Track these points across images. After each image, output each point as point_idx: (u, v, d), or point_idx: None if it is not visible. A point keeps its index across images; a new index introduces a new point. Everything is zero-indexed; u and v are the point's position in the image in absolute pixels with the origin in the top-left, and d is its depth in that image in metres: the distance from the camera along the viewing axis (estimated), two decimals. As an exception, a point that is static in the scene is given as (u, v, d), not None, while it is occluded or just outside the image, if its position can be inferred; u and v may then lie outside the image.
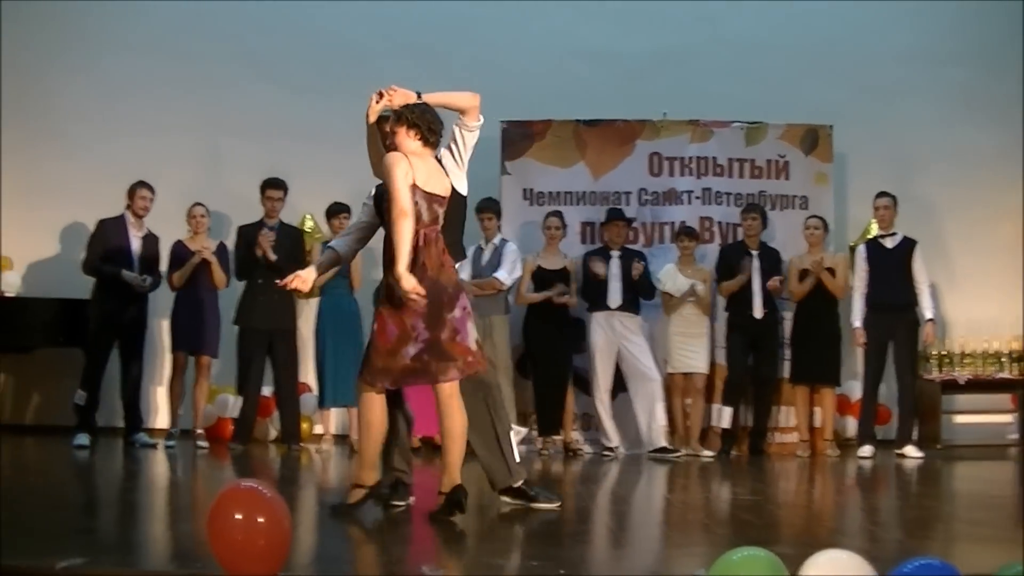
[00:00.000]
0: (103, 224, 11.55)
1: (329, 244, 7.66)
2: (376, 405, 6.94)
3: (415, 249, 6.71)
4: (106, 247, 11.42)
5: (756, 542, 4.79)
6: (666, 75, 13.04)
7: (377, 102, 7.05)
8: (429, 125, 6.92)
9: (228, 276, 11.61)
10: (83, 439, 11.20)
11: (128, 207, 11.55)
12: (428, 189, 6.80)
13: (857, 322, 11.65)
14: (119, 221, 11.54)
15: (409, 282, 6.55)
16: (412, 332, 6.74)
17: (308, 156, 12.42)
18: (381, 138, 7.09)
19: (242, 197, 12.14)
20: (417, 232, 6.71)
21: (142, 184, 11.55)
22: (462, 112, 7.38)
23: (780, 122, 12.40)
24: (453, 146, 7.44)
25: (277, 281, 7.36)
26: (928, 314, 11.59)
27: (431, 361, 6.81)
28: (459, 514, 6.88)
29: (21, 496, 7.96)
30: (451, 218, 7.37)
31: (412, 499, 7.40)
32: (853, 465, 10.95)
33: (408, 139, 6.88)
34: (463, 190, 7.50)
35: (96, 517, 7.06)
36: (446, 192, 6.97)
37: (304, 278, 7.19)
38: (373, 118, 7.11)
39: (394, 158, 6.75)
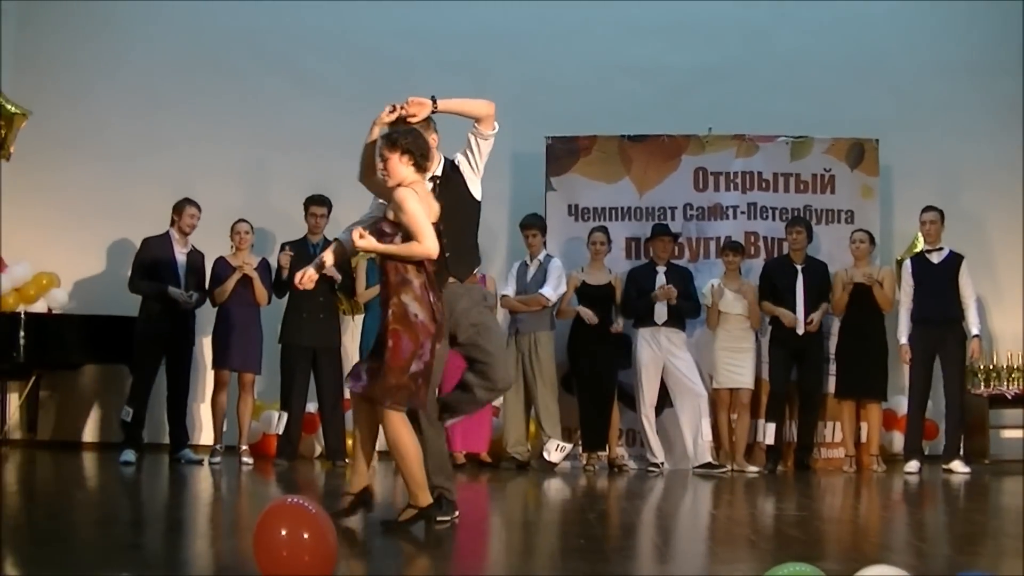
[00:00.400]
0: (147, 242, 11.62)
1: (336, 237, 7.70)
2: (405, 425, 6.99)
3: (428, 279, 6.88)
4: (151, 264, 11.48)
5: (802, 558, 4.78)
6: (711, 90, 13.02)
7: (391, 112, 7.11)
8: (422, 151, 7.00)
9: (270, 293, 11.64)
10: (129, 455, 11.26)
11: (174, 224, 11.61)
12: (432, 220, 6.91)
13: (903, 338, 11.58)
14: (164, 238, 11.60)
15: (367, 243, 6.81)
16: (419, 351, 6.82)
17: (353, 172, 12.41)
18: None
19: (286, 213, 12.20)
20: (425, 265, 6.86)
21: (189, 202, 11.61)
22: (477, 120, 7.49)
23: (826, 136, 12.34)
24: (469, 153, 7.56)
25: (297, 284, 7.44)
26: (974, 330, 11.50)
27: (423, 385, 6.90)
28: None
29: (68, 512, 8.02)
30: (466, 224, 7.52)
31: (457, 514, 7.38)
32: (900, 480, 10.88)
33: (401, 165, 6.94)
34: (478, 195, 7.63)
35: (142, 533, 7.09)
36: (437, 216, 7.05)
37: (311, 275, 7.39)
38: (376, 132, 7.20)
39: (407, 193, 6.85)
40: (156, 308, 11.45)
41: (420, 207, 6.84)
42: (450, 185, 7.50)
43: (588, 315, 11.57)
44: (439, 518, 7.29)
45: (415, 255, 6.77)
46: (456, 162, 7.53)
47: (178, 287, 11.43)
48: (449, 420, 7.54)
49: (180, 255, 11.58)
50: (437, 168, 7.48)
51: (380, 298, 7.02)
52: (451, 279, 7.46)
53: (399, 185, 6.90)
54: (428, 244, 6.78)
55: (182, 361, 11.65)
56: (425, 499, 7.04)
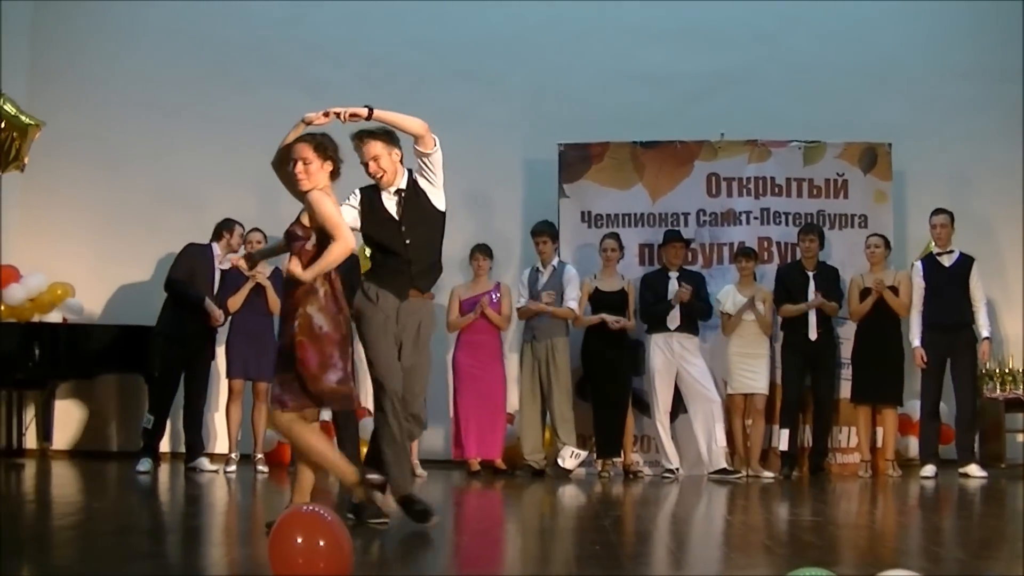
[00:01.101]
0: (191, 248, 11.64)
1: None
2: (309, 428, 7.05)
3: (332, 289, 6.94)
4: (190, 270, 11.51)
5: (817, 563, 4.78)
6: (723, 95, 13.03)
7: (324, 117, 7.22)
8: (338, 163, 7.08)
9: (282, 301, 11.65)
10: (145, 464, 11.30)
11: (221, 239, 11.62)
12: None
13: (916, 341, 11.56)
14: (207, 249, 11.63)
15: (310, 275, 6.80)
16: (329, 361, 6.83)
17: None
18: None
19: (299, 223, 12.22)
20: (331, 272, 6.93)
21: (236, 223, 11.67)
22: (414, 139, 7.49)
23: (838, 141, 12.34)
24: (424, 172, 7.66)
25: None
26: (984, 332, 11.50)
27: (352, 388, 7.02)
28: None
29: (84, 521, 8.03)
30: (431, 236, 7.70)
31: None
32: (915, 485, 10.86)
33: (322, 172, 6.99)
34: (441, 206, 7.77)
35: (158, 541, 7.11)
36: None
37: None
38: (300, 131, 7.27)
39: (322, 195, 6.92)
40: (180, 316, 11.47)
41: (334, 207, 6.91)
42: (413, 198, 7.62)
43: (612, 320, 11.59)
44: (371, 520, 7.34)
45: (338, 256, 6.79)
46: (418, 182, 7.65)
47: (212, 300, 11.46)
48: (373, 474, 7.39)
49: (218, 270, 11.61)
50: (401, 181, 7.60)
51: (285, 309, 6.99)
52: (413, 292, 7.58)
53: (312, 189, 6.93)
54: (346, 238, 6.81)
55: (201, 371, 11.68)
56: (354, 474, 7.04)
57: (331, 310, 6.86)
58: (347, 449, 11.57)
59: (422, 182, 7.64)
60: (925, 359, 11.48)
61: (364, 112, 7.29)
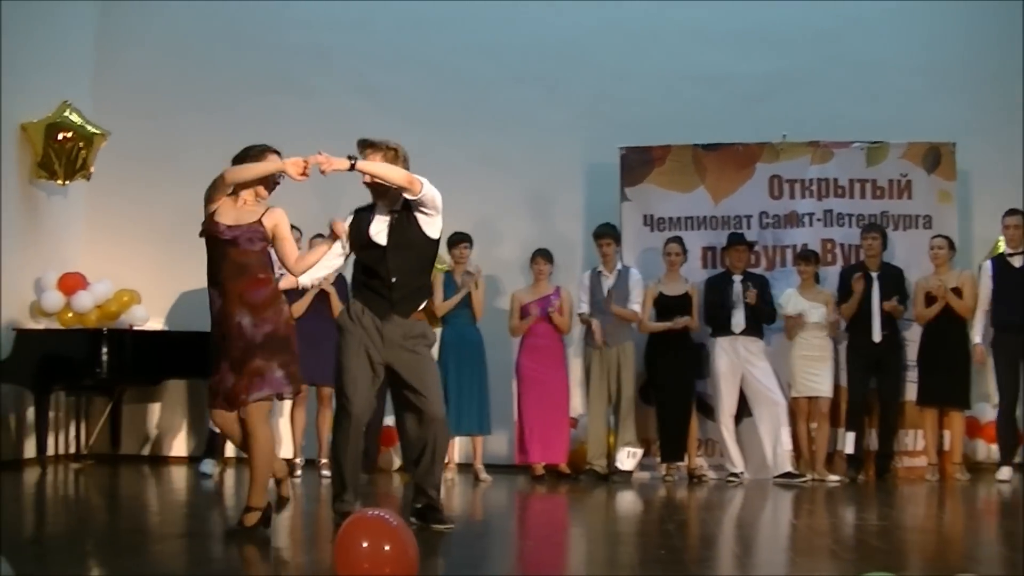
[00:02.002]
0: None
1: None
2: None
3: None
4: None
5: (885, 568, 4.76)
6: (785, 97, 12.95)
7: (304, 170, 7.32)
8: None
9: (347, 306, 11.70)
10: (207, 466, 11.39)
11: None
12: None
13: (977, 338, 11.46)
14: None
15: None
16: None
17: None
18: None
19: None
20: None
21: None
22: (399, 188, 7.45)
23: (901, 141, 12.25)
24: (421, 209, 7.61)
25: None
26: None
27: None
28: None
29: (148, 525, 8.10)
30: (417, 263, 7.71)
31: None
32: (984, 489, 10.77)
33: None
34: (434, 234, 7.73)
35: (222, 546, 7.15)
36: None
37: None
38: (269, 169, 7.59)
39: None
40: None
41: None
42: (404, 223, 7.61)
43: (680, 322, 11.59)
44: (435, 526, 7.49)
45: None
46: (419, 221, 7.64)
47: None
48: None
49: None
50: (397, 203, 7.59)
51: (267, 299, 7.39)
52: (395, 315, 7.59)
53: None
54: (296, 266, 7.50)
55: None
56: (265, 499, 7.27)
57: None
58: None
59: (422, 219, 7.63)
60: (983, 357, 11.38)
61: (346, 165, 7.31)
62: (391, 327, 7.57)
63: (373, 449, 11.72)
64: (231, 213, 7.39)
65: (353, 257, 7.87)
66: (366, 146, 7.53)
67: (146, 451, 13.15)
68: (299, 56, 13.50)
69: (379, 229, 7.60)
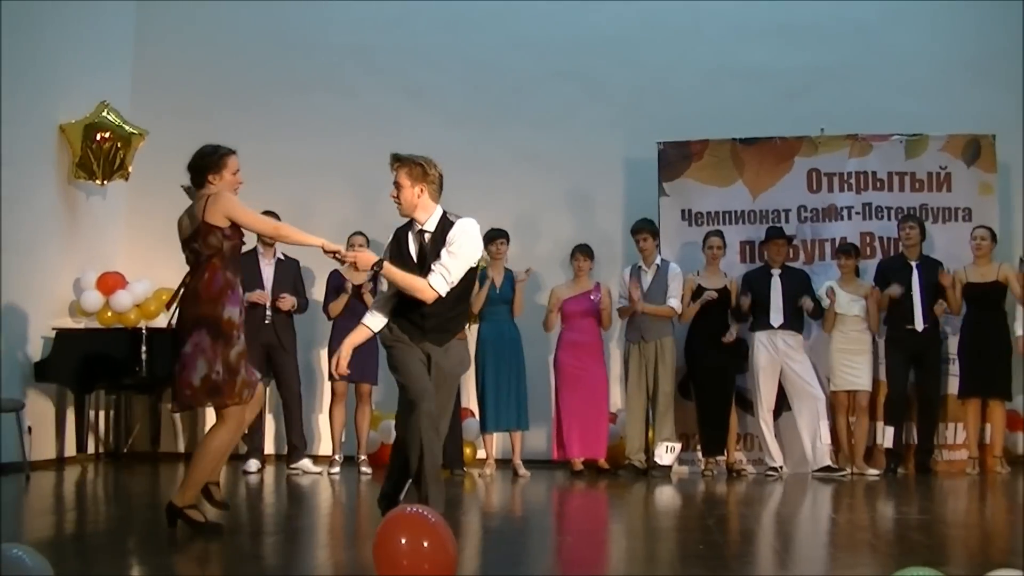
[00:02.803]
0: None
1: (363, 321, 7.55)
2: None
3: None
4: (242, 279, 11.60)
5: (926, 562, 4.73)
6: (823, 90, 12.90)
7: (343, 261, 7.32)
8: None
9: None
10: (251, 465, 11.45)
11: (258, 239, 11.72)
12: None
13: (1020, 330, 11.40)
14: (251, 254, 11.69)
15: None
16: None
17: (465, 184, 12.49)
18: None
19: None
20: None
21: (269, 213, 11.73)
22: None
23: (940, 133, 12.18)
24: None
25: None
26: None
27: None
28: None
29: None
30: (459, 291, 7.37)
31: None
32: (1025, 482, 10.72)
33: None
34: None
35: (263, 543, 7.18)
36: None
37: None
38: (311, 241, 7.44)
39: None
40: (252, 319, 11.59)
41: None
42: (441, 243, 7.33)
43: (707, 297, 11.57)
44: None
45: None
46: (450, 231, 7.34)
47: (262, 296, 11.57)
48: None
49: (267, 267, 11.70)
50: (428, 222, 7.37)
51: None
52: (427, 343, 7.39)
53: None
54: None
55: (286, 374, 11.71)
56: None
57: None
58: (448, 449, 11.68)
59: (450, 237, 7.34)
60: None
61: (372, 260, 7.24)
62: (428, 346, 7.39)
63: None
64: None
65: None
66: (394, 161, 7.46)
67: (185, 449, 13.19)
68: (339, 55, 13.54)
69: (412, 248, 7.40)
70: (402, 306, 7.33)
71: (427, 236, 7.34)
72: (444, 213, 7.40)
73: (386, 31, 13.56)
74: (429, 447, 7.15)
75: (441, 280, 7.18)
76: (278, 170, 13.23)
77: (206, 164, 7.73)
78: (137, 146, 12.61)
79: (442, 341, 7.41)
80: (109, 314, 12.40)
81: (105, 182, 12.52)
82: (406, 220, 7.50)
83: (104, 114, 12.41)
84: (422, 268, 7.24)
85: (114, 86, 13.07)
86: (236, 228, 7.36)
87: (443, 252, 7.23)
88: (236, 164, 7.82)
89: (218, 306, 7.19)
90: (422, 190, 7.35)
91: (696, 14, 13.28)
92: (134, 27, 13.67)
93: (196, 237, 7.41)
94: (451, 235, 7.29)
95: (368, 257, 7.27)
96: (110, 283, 12.46)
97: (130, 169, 12.61)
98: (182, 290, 7.43)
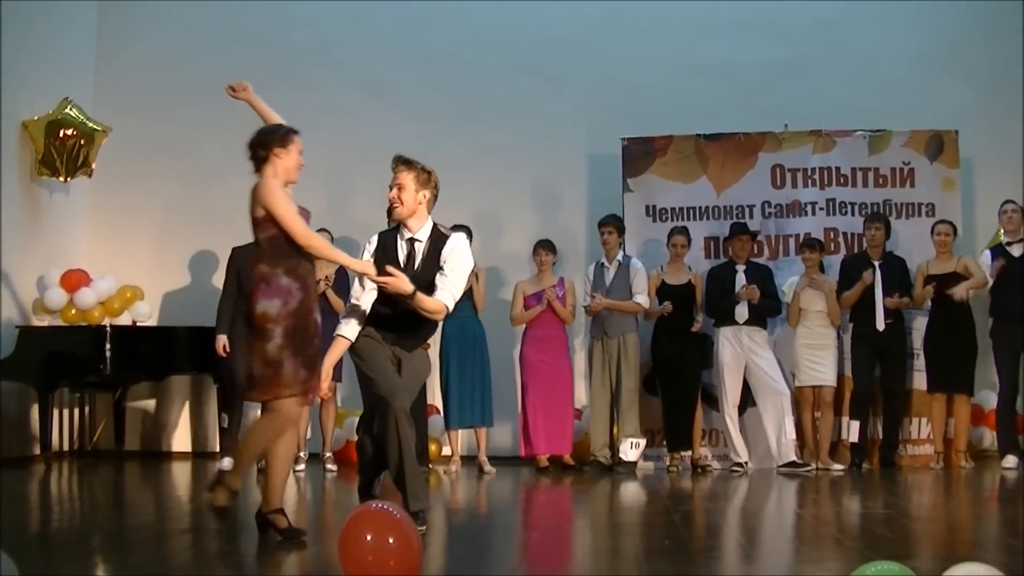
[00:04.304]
0: (234, 252, 11.70)
1: (337, 332, 7.47)
2: None
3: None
4: (236, 275, 11.56)
5: (891, 556, 4.75)
6: (786, 86, 12.95)
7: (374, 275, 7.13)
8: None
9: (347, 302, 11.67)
10: (226, 463, 11.38)
11: None
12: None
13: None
14: (250, 247, 11.65)
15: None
16: None
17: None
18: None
19: (366, 222, 12.25)
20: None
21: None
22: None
23: (904, 129, 12.24)
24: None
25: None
26: None
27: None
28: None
29: (157, 521, 8.10)
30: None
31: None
32: (989, 477, 10.77)
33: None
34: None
35: (230, 540, 7.15)
36: None
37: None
38: (352, 266, 7.28)
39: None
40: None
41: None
42: (430, 256, 7.32)
43: (666, 307, 11.58)
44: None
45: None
46: (446, 245, 7.33)
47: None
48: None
49: None
50: (420, 231, 7.34)
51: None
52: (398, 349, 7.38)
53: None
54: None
55: None
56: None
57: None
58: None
59: (448, 252, 7.33)
60: (994, 346, 11.40)
61: (408, 292, 7.07)
62: (397, 349, 7.40)
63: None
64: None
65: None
66: (400, 163, 7.39)
67: (149, 447, 13.15)
68: (301, 51, 13.49)
69: (403, 259, 7.32)
70: (379, 306, 7.28)
71: (418, 245, 7.30)
72: (435, 225, 7.39)
73: (347, 27, 13.52)
74: (407, 442, 7.12)
75: (451, 298, 7.24)
76: (239, 166, 13.13)
77: (271, 139, 7.69)
78: (100, 143, 12.55)
79: (412, 347, 7.43)
80: (73, 312, 12.32)
81: (68, 179, 12.45)
82: (393, 225, 7.47)
83: (67, 110, 12.34)
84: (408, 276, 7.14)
85: (77, 83, 13.01)
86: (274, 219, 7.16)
87: (446, 269, 7.24)
88: (301, 144, 7.73)
89: (251, 300, 7.02)
90: (424, 196, 7.32)
91: (659, 10, 13.29)
92: (96, 24, 13.59)
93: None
94: (448, 251, 7.30)
95: (403, 285, 7.04)
96: (73, 281, 12.38)
97: (93, 166, 12.54)
98: None
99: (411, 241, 7.30)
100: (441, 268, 7.26)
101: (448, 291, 7.22)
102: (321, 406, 11.66)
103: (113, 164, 12.84)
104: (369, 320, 7.32)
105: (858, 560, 4.85)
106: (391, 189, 7.34)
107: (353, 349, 7.40)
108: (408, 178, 7.29)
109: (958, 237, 11.75)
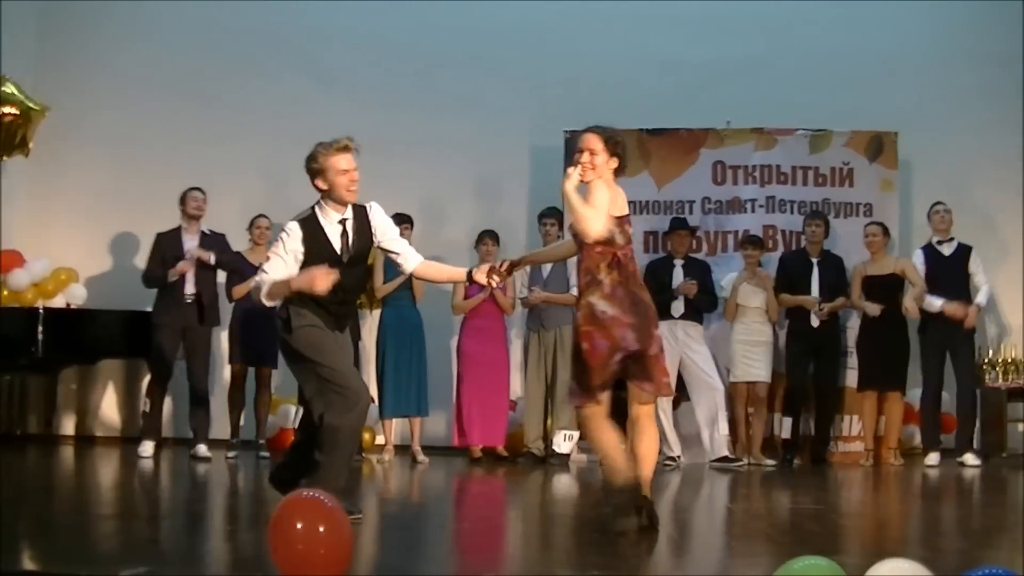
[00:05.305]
0: (158, 237, 11.64)
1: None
2: (606, 422, 7.03)
3: (621, 277, 6.83)
4: (162, 260, 11.50)
5: (819, 551, 4.78)
6: (730, 83, 12.98)
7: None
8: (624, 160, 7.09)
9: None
10: (146, 448, 11.30)
11: (183, 215, 11.62)
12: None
13: (938, 302, 11.41)
14: (174, 232, 11.60)
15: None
16: (621, 343, 6.76)
17: (371, 168, 12.39)
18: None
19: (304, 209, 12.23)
20: (615, 254, 6.80)
21: (192, 188, 11.64)
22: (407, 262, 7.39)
23: (844, 129, 12.31)
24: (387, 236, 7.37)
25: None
26: (978, 299, 11.47)
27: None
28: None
29: (86, 506, 8.05)
30: (362, 277, 7.57)
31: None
32: (917, 474, 10.87)
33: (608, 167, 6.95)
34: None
35: (159, 527, 7.11)
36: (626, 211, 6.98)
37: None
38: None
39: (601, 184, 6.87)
40: (160, 304, 11.48)
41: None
42: (362, 233, 7.23)
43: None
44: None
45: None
46: (369, 216, 7.27)
47: (189, 277, 11.44)
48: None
49: (191, 243, 11.54)
50: (349, 210, 7.20)
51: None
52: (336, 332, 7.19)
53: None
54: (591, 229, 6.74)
55: (197, 356, 11.60)
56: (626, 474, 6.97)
57: (619, 295, 6.81)
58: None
59: (378, 230, 7.28)
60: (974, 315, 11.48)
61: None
62: (335, 332, 7.17)
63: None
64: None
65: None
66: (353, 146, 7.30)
67: (82, 431, 13.04)
68: (249, 37, 13.40)
69: (336, 242, 7.15)
70: (316, 296, 7.00)
71: (348, 223, 7.17)
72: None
73: (294, 14, 13.41)
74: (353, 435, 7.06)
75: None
76: (182, 149, 13.11)
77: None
78: (38, 122, 12.38)
79: (344, 326, 7.30)
80: (5, 293, 12.21)
81: (4, 158, 12.31)
82: (307, 211, 7.29)
83: (4, 88, 12.18)
84: (344, 260, 7.07)
85: (17, 62, 12.82)
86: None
87: (390, 240, 7.28)
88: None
89: None
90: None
91: (605, 4, 13.28)
92: (39, 2, 13.44)
93: None
94: (378, 221, 7.26)
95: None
96: (7, 261, 12.27)
97: (31, 146, 12.39)
98: None
99: (342, 223, 7.15)
100: (381, 242, 7.26)
101: (410, 248, 7.37)
102: (256, 393, 11.62)
103: (51, 144, 12.70)
104: (306, 307, 7.07)
105: (787, 555, 4.87)
106: (346, 172, 7.10)
107: (297, 336, 7.10)
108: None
109: (892, 239, 11.84)
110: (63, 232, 13.09)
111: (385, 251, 7.46)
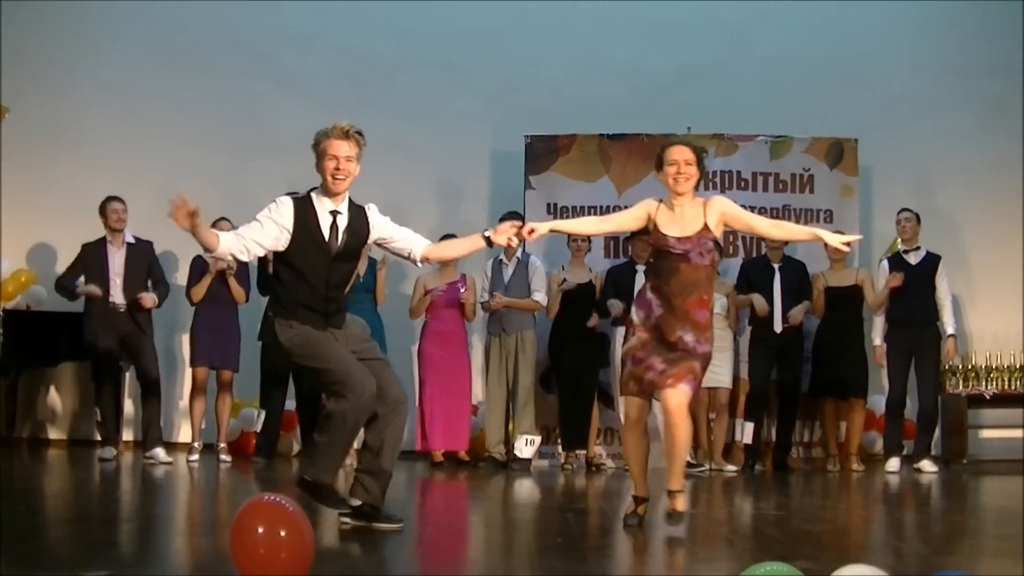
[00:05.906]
0: (83, 249, 11.52)
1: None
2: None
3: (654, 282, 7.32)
4: (82, 270, 11.41)
5: (780, 557, 4.78)
6: (691, 89, 13.03)
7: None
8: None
9: (247, 290, 11.59)
10: (106, 452, 11.23)
11: (104, 224, 11.51)
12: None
13: (878, 340, 11.65)
14: (99, 243, 11.49)
15: None
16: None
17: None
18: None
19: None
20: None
21: (111, 199, 11.52)
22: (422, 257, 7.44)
23: (805, 135, 12.37)
24: (388, 234, 7.38)
25: None
26: (950, 329, 11.60)
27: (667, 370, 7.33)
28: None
29: (44, 510, 7.99)
30: (352, 272, 7.43)
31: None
32: (878, 480, 10.92)
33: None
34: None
35: (119, 530, 7.07)
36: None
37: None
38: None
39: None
40: (96, 312, 11.36)
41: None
42: (357, 227, 7.18)
43: (570, 284, 11.63)
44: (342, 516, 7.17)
45: None
46: (368, 216, 7.25)
47: (112, 288, 11.31)
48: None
49: (116, 255, 11.43)
50: (344, 204, 7.14)
51: None
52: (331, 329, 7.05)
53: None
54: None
55: (144, 354, 11.50)
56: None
57: (644, 299, 7.36)
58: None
59: (376, 227, 7.28)
60: (885, 359, 11.58)
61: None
62: (331, 330, 7.05)
63: (274, 434, 11.66)
64: (675, 223, 7.43)
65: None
66: (358, 133, 7.37)
67: (42, 434, 12.96)
68: (207, 37, 13.37)
69: (325, 230, 7.07)
70: (299, 295, 6.97)
71: (340, 217, 7.10)
72: (349, 197, 7.24)
73: (256, 15, 13.41)
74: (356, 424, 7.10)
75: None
76: (142, 150, 13.05)
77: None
78: (-1, 122, 12.35)
79: (341, 322, 7.13)
80: (-37, 294, 12.14)
81: (-36, 159, 12.25)
82: (301, 194, 7.29)
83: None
84: (331, 252, 7.02)
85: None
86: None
87: (393, 228, 7.34)
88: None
89: None
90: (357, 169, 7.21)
91: (567, 9, 13.34)
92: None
93: None
94: (377, 221, 7.29)
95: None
96: (-35, 263, 12.20)
97: (-9, 146, 12.34)
98: None
99: (333, 214, 7.08)
100: (382, 239, 7.31)
101: (412, 233, 7.40)
102: (218, 396, 11.57)
103: (11, 146, 12.64)
104: (293, 312, 6.97)
105: (749, 560, 4.89)
106: (335, 159, 7.13)
107: (292, 350, 7.01)
108: (357, 150, 7.19)
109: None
110: (23, 234, 12.99)
111: (389, 249, 7.47)
